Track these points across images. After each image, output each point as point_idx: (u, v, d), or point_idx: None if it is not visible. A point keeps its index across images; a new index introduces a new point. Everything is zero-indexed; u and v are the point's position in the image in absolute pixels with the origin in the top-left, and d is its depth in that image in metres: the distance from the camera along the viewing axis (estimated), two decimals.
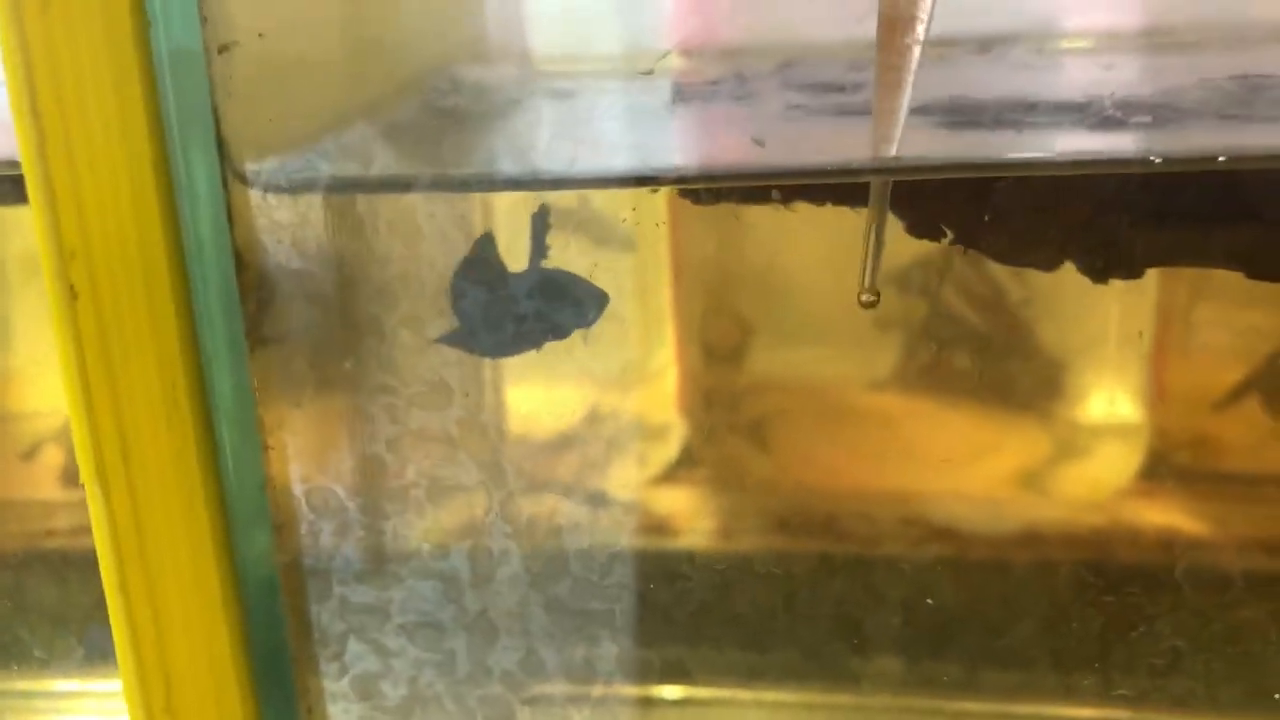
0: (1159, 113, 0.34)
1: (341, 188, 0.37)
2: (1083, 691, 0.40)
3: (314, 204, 0.37)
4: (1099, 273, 0.34)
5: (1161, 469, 0.37)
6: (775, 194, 0.36)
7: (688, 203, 0.37)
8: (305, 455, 0.40)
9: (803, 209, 0.36)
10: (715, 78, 0.46)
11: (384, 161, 0.36)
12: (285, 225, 0.38)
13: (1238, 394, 0.36)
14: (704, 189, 0.36)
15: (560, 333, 0.37)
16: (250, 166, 0.37)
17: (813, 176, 0.35)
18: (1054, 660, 0.40)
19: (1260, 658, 0.38)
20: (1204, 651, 0.38)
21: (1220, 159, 0.32)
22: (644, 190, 0.36)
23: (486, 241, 0.37)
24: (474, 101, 0.41)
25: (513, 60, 0.49)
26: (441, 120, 0.37)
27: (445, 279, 0.37)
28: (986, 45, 0.37)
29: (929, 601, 0.39)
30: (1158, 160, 0.32)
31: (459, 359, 0.38)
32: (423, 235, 0.37)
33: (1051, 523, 0.38)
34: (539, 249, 0.37)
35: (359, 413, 0.39)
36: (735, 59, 0.48)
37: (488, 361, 0.38)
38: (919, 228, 0.35)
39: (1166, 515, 0.38)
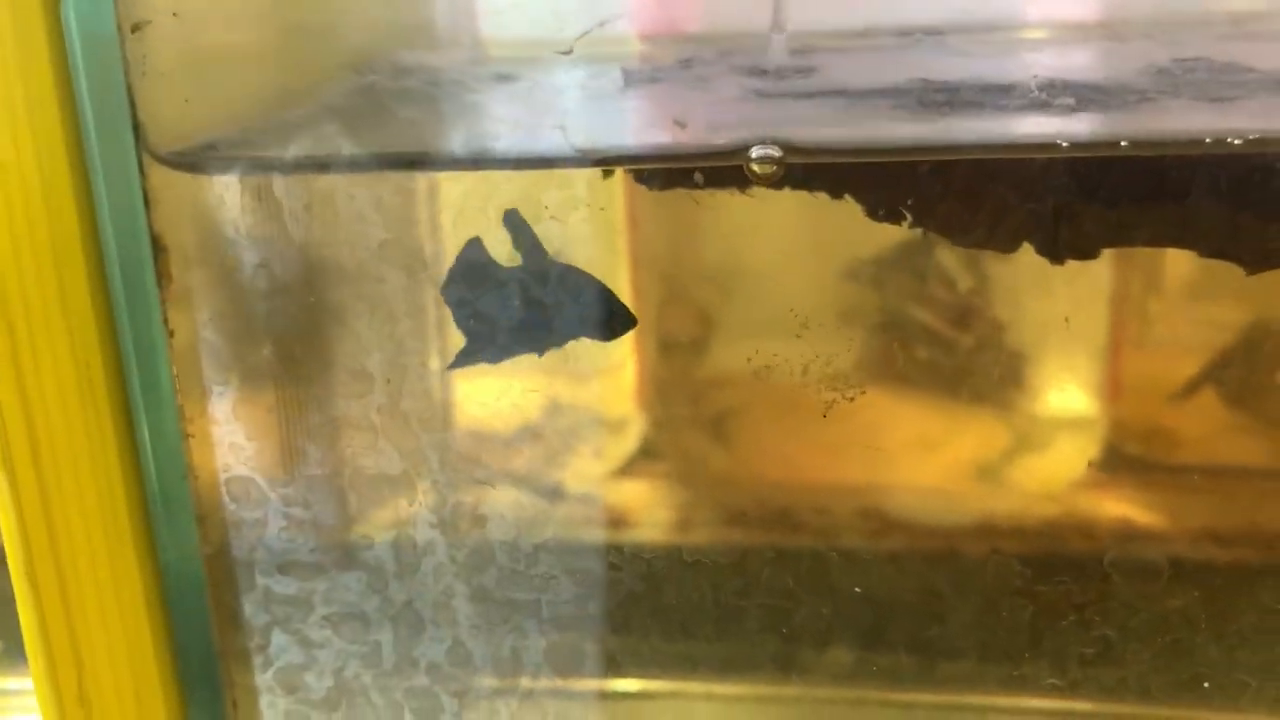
0: (1082, 94, 0.34)
1: (264, 169, 0.36)
2: (1034, 682, 0.39)
3: (235, 186, 0.37)
4: (1055, 254, 0.34)
5: (1116, 461, 0.37)
6: (697, 176, 0.35)
7: (644, 190, 0.36)
8: (229, 444, 0.39)
9: (760, 193, 0.35)
10: (666, 63, 0.45)
11: (310, 143, 0.36)
12: (206, 208, 0.37)
13: (1194, 386, 0.36)
14: (659, 174, 0.36)
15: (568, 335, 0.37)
16: (169, 149, 0.36)
17: (818, 156, 0.35)
18: (1006, 651, 0.39)
19: (1210, 646, 0.38)
20: (1158, 641, 0.38)
21: (1123, 144, 0.32)
22: (597, 177, 0.36)
23: (475, 247, 0.36)
24: (415, 85, 0.41)
25: (461, 46, 0.48)
26: (376, 103, 0.36)
27: (366, 262, 0.36)
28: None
29: (881, 593, 0.39)
30: (1065, 145, 0.32)
31: (381, 345, 0.37)
32: (340, 218, 0.36)
33: (1006, 515, 0.38)
34: (528, 241, 0.36)
35: (283, 401, 0.38)
36: (686, 45, 0.48)
37: (414, 349, 0.37)
38: (878, 211, 0.35)
39: (1121, 507, 0.37)
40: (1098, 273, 0.35)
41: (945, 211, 0.35)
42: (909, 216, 0.35)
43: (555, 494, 0.39)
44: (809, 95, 0.37)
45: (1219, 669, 0.38)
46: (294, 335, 0.38)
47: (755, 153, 0.34)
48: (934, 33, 0.43)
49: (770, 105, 0.37)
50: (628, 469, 0.39)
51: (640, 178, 0.35)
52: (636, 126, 0.36)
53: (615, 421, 0.38)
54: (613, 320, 0.36)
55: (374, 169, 0.35)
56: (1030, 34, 0.47)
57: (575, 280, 0.36)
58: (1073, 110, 0.34)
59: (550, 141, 0.35)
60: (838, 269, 0.36)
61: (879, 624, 0.39)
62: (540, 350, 0.37)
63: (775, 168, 0.35)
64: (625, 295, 0.36)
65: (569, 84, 0.36)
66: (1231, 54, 0.38)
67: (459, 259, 0.36)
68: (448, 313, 0.37)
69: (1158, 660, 0.38)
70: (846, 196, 0.35)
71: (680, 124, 0.34)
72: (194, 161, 0.36)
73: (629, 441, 0.38)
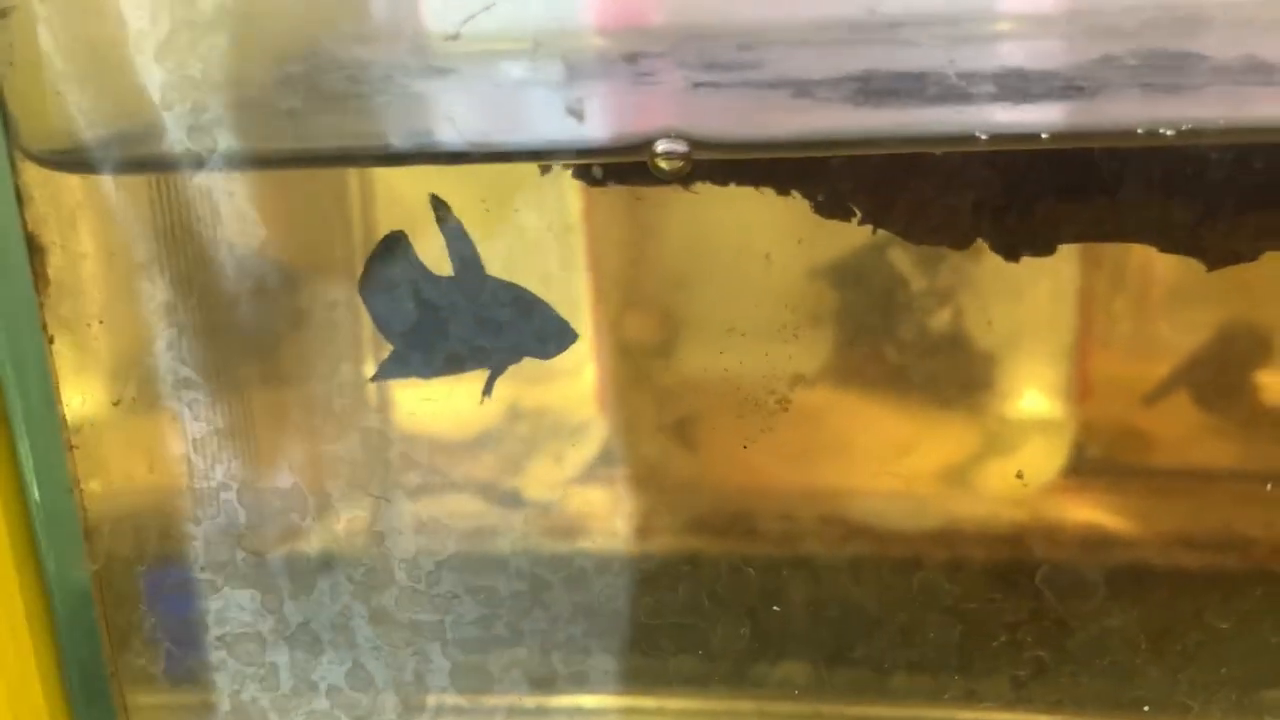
0: (1003, 82, 0.32)
1: (140, 166, 0.34)
2: (998, 695, 0.38)
3: (111, 184, 0.34)
4: (1010, 250, 0.33)
5: (1087, 465, 0.36)
6: (596, 170, 0.33)
7: (597, 192, 0.34)
8: (119, 455, 0.37)
9: (708, 191, 0.33)
10: (613, 57, 0.43)
11: (205, 138, 0.33)
12: (85, 205, 0.35)
13: (1166, 389, 0.35)
14: (604, 172, 0.33)
15: (510, 356, 0.35)
16: (44, 145, 0.34)
17: (727, 150, 0.33)
18: (969, 663, 0.38)
19: (1181, 654, 0.37)
20: (1130, 650, 0.37)
21: (1043, 136, 0.30)
22: (534, 174, 0.33)
23: (397, 241, 0.34)
24: (337, 79, 0.38)
25: (400, 39, 0.46)
26: (293, 96, 0.34)
27: (245, 260, 0.34)
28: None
29: (843, 603, 0.37)
30: (983, 137, 0.30)
31: (285, 349, 0.35)
32: (220, 216, 0.34)
33: (973, 520, 0.37)
34: (459, 246, 0.34)
35: (169, 407, 0.36)
36: (642, 39, 0.46)
37: (321, 353, 0.35)
38: (827, 207, 0.33)
39: (1092, 512, 0.36)
40: (1061, 273, 0.34)
41: (896, 207, 0.33)
42: (858, 213, 0.33)
43: (508, 501, 0.37)
44: (749, 86, 0.35)
45: (1196, 678, 0.37)
46: (187, 339, 0.36)
47: (660, 147, 0.32)
48: (892, 25, 0.42)
49: (700, 97, 0.35)
50: (582, 477, 0.37)
51: (579, 173, 0.33)
52: (542, 119, 0.34)
53: (572, 427, 0.36)
54: (553, 337, 0.34)
55: (249, 166, 0.33)
56: (992, 27, 0.45)
57: (512, 296, 0.34)
58: (994, 99, 0.31)
59: (444, 135, 0.33)
60: (806, 271, 0.34)
61: (840, 635, 0.38)
62: (479, 366, 0.35)
63: (682, 163, 0.33)
64: (568, 298, 0.34)
65: (498, 79, 0.33)
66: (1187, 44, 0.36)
67: (378, 255, 0.34)
68: (355, 317, 0.35)
69: (1128, 671, 0.37)
70: (793, 192, 0.33)
71: (576, 114, 0.32)
72: (65, 159, 0.34)
73: (585, 448, 0.36)
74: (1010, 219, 0.33)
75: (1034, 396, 0.36)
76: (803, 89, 0.34)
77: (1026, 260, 0.33)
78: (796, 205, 0.33)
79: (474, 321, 0.34)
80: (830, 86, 0.33)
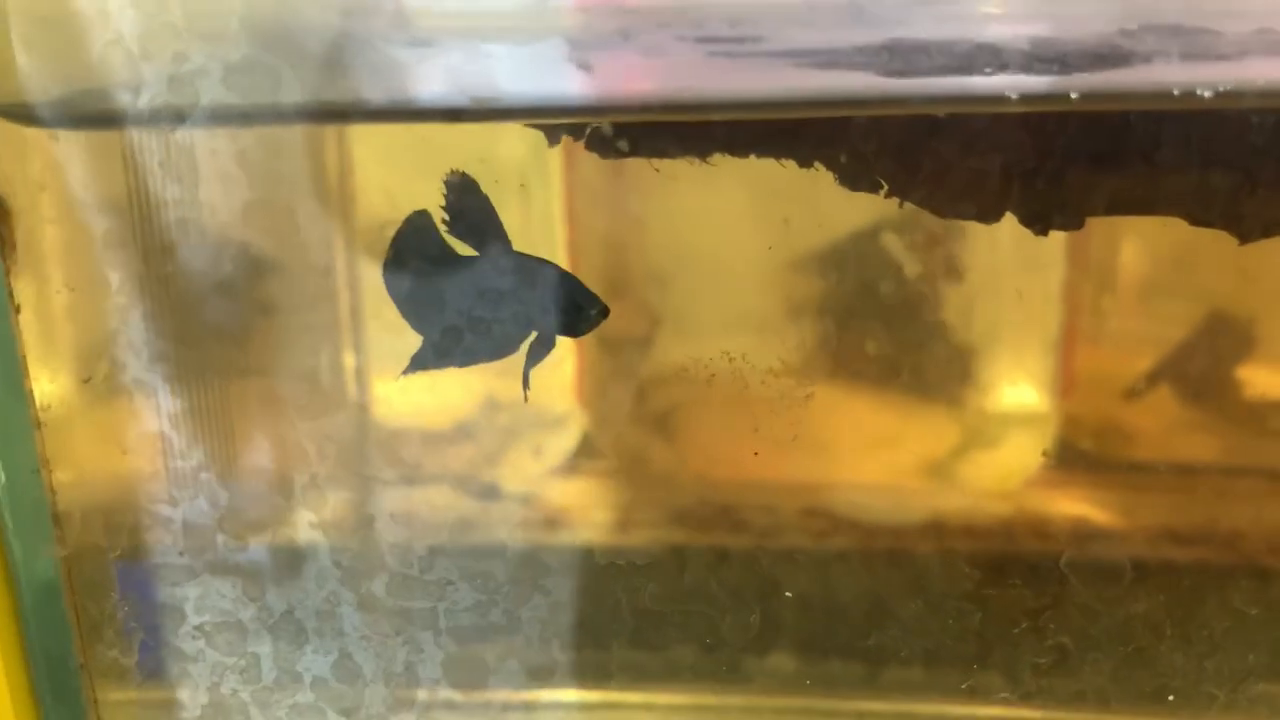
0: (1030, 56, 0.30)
1: (111, 122, 0.32)
2: (987, 691, 0.37)
3: (83, 140, 0.32)
4: (1039, 220, 0.32)
5: (1071, 458, 0.35)
6: (606, 127, 0.31)
7: (580, 182, 0.32)
8: (90, 434, 0.35)
9: (697, 176, 0.32)
10: (609, 31, 0.42)
11: (168, 93, 0.31)
12: (55, 166, 0.33)
13: (1149, 382, 0.34)
14: (614, 140, 0.32)
15: (544, 338, 0.33)
16: (8, 97, 0.32)
17: (743, 110, 0.31)
18: (958, 657, 0.37)
19: (1174, 653, 0.36)
20: (1117, 646, 0.36)
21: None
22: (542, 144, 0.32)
23: (421, 222, 0.32)
24: (321, 43, 0.37)
25: (381, 14, 0.45)
26: (264, 55, 0.32)
27: (228, 225, 0.32)
28: None
29: (828, 595, 0.36)
30: (1014, 97, 0.28)
31: (262, 323, 0.33)
32: (201, 176, 0.32)
33: (957, 513, 0.36)
34: (492, 225, 0.32)
35: (144, 384, 0.34)
36: (626, 17, 0.45)
37: (285, 325, 0.33)
38: (852, 179, 0.32)
39: (1077, 506, 0.36)
40: (1051, 260, 0.33)
41: (921, 174, 0.31)
42: (884, 183, 0.32)
43: (486, 494, 0.35)
44: (765, 55, 0.34)
45: (1182, 677, 0.36)
46: (164, 312, 0.34)
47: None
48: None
49: (715, 63, 0.34)
50: (563, 467, 0.35)
51: (593, 144, 0.32)
52: (538, 75, 0.32)
53: (552, 419, 0.35)
54: (588, 312, 0.33)
55: (238, 122, 0.31)
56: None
57: (539, 271, 0.32)
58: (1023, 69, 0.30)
59: (432, 91, 0.31)
60: (790, 259, 0.33)
61: (826, 628, 0.37)
62: (505, 354, 0.33)
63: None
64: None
65: (541, 52, 0.32)
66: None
67: (403, 237, 0.32)
68: (341, 288, 0.33)
69: (1118, 668, 0.36)
70: (816, 165, 0.32)
71: (584, 66, 0.30)
72: (31, 113, 0.32)
73: (566, 439, 0.35)
74: (1040, 186, 0.31)
75: (1019, 389, 0.35)
76: (826, 58, 0.32)
77: (1018, 250, 0.32)
78: (781, 195, 0.32)
79: (503, 302, 0.32)
80: (851, 55, 0.32)
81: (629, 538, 0.36)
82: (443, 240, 0.32)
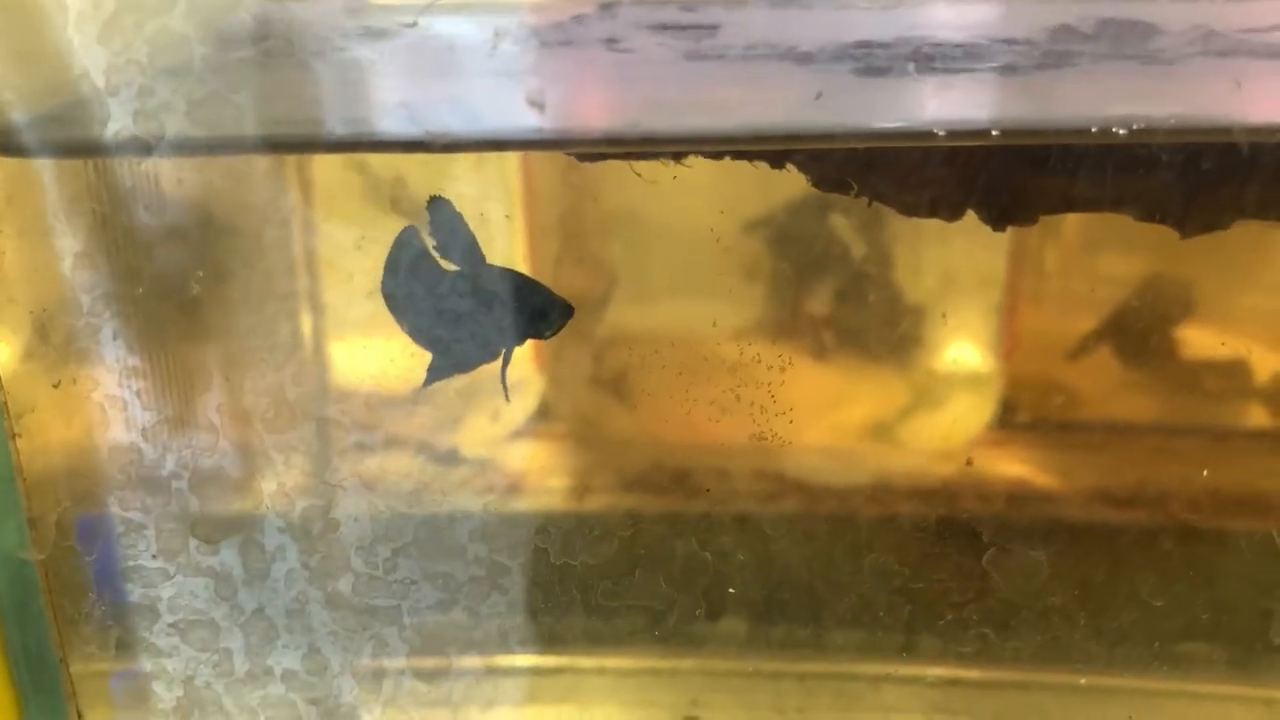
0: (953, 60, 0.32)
1: (82, 151, 0.33)
2: (931, 650, 0.39)
3: (51, 167, 0.33)
4: (998, 221, 0.33)
5: (1014, 419, 0.37)
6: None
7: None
8: (62, 441, 0.36)
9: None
10: (562, 17, 0.42)
11: (151, 124, 0.32)
12: (21, 190, 0.34)
13: (1090, 343, 0.35)
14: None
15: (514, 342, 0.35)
16: None
17: (716, 144, 0.33)
18: (902, 618, 0.39)
19: (1108, 607, 0.38)
20: (1060, 602, 0.38)
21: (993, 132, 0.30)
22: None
23: (411, 236, 0.34)
24: (275, 46, 0.37)
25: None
26: (245, 82, 0.33)
27: (193, 243, 0.33)
28: None
29: (777, 558, 0.38)
30: (941, 134, 0.30)
31: (225, 336, 0.35)
32: (168, 200, 0.33)
33: (904, 475, 0.37)
34: (464, 240, 0.34)
35: (114, 395, 0.35)
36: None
37: (261, 340, 0.35)
38: (825, 182, 0.33)
39: (1020, 468, 0.37)
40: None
41: (890, 182, 0.33)
42: (855, 187, 0.33)
43: (445, 459, 0.37)
44: (714, 58, 0.35)
45: (1119, 632, 0.38)
46: (132, 325, 0.35)
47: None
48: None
49: (670, 78, 0.35)
50: (519, 432, 0.36)
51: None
52: (497, 106, 0.34)
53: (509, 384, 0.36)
54: (551, 315, 0.34)
55: (198, 152, 0.32)
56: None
57: (509, 279, 0.34)
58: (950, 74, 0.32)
59: (393, 121, 0.32)
60: (742, 225, 0.34)
61: (774, 591, 0.38)
62: (493, 357, 0.35)
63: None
64: (506, 252, 0.34)
65: (446, 43, 0.33)
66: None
67: (397, 253, 0.34)
68: (294, 304, 0.34)
69: (1052, 627, 0.38)
70: (789, 167, 0.33)
71: (537, 104, 0.31)
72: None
73: (523, 404, 0.36)
74: (999, 189, 0.33)
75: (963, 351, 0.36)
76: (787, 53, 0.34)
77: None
78: (735, 171, 0.33)
79: (483, 311, 0.34)
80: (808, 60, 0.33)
81: (582, 502, 0.37)
82: (431, 257, 0.34)
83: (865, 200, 0.33)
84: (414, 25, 0.32)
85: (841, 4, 0.46)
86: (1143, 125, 0.31)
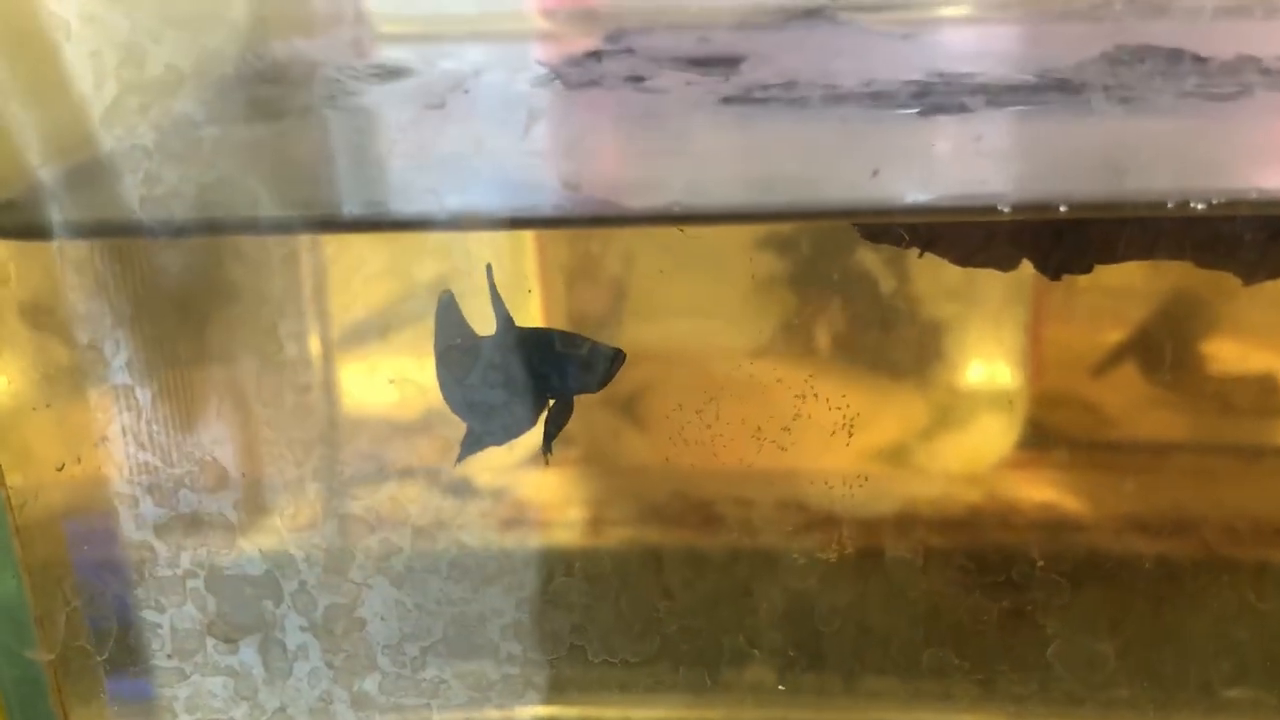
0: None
1: (88, 232, 0.31)
2: (969, 697, 0.37)
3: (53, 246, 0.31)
4: (1054, 271, 0.32)
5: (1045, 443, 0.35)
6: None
7: None
8: (69, 538, 0.34)
9: None
10: (586, 50, 0.41)
11: (157, 209, 0.30)
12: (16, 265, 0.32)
13: (1114, 359, 0.34)
14: None
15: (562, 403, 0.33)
16: None
17: (764, 220, 0.31)
18: (941, 665, 0.36)
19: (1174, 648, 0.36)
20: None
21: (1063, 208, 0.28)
22: None
23: (449, 307, 0.32)
24: (277, 94, 0.36)
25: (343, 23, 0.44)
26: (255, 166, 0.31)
27: (207, 327, 0.32)
28: None
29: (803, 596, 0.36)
30: (1006, 210, 0.28)
31: (228, 430, 0.33)
32: (168, 280, 0.31)
33: (932, 503, 0.36)
34: (500, 311, 0.32)
35: (123, 492, 0.34)
36: (594, 24, 0.44)
37: (264, 433, 0.33)
38: (877, 234, 0.32)
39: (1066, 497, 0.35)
40: None
41: (945, 239, 0.32)
42: (906, 239, 0.32)
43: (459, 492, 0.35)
44: (757, 102, 0.33)
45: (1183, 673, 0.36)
46: (142, 417, 0.33)
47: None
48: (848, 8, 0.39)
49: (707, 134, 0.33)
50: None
51: None
52: (527, 182, 0.31)
53: None
54: (597, 366, 0.32)
55: (203, 234, 0.30)
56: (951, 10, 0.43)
57: (546, 340, 0.32)
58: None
59: (414, 202, 0.30)
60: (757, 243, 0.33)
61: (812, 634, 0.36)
62: (532, 422, 0.33)
63: None
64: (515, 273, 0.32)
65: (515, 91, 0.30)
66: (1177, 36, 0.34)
67: (443, 327, 0.32)
68: (311, 397, 0.32)
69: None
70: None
71: (572, 187, 0.29)
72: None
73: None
74: (1056, 248, 0.31)
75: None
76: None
77: None
78: None
79: (526, 374, 0.32)
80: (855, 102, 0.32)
81: (601, 535, 0.36)
82: (464, 321, 0.32)
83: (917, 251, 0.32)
84: (441, 106, 0.30)
85: (860, 33, 0.44)
86: (1223, 200, 0.28)
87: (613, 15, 0.48)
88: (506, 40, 0.47)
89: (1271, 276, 0.31)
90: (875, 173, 0.29)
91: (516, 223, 0.31)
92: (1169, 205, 0.29)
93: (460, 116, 0.34)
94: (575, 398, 0.33)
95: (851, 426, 0.34)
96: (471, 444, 0.33)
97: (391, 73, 0.41)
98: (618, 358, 0.32)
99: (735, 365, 0.33)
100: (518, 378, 0.32)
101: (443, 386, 0.32)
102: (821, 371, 0.33)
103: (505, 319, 0.32)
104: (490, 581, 0.34)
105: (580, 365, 0.32)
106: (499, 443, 0.33)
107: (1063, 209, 0.29)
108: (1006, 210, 0.29)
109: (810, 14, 0.44)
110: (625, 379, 0.33)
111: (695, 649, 0.36)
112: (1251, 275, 0.31)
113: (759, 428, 0.34)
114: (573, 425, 0.33)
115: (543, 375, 0.32)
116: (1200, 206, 0.28)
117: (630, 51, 0.42)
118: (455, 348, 0.32)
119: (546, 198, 0.30)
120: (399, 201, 0.30)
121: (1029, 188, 0.30)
